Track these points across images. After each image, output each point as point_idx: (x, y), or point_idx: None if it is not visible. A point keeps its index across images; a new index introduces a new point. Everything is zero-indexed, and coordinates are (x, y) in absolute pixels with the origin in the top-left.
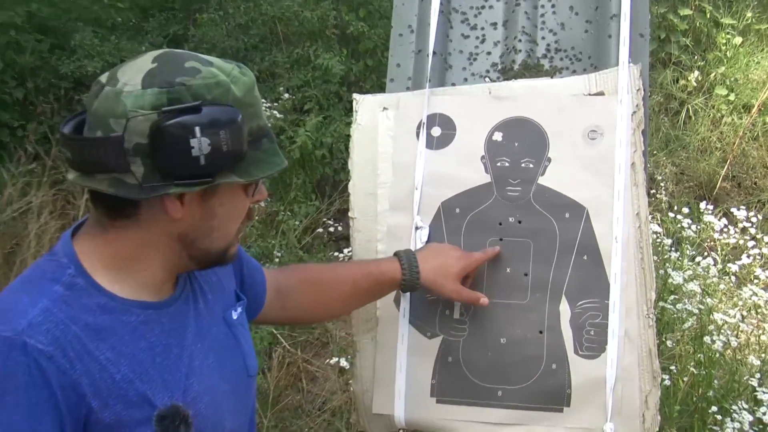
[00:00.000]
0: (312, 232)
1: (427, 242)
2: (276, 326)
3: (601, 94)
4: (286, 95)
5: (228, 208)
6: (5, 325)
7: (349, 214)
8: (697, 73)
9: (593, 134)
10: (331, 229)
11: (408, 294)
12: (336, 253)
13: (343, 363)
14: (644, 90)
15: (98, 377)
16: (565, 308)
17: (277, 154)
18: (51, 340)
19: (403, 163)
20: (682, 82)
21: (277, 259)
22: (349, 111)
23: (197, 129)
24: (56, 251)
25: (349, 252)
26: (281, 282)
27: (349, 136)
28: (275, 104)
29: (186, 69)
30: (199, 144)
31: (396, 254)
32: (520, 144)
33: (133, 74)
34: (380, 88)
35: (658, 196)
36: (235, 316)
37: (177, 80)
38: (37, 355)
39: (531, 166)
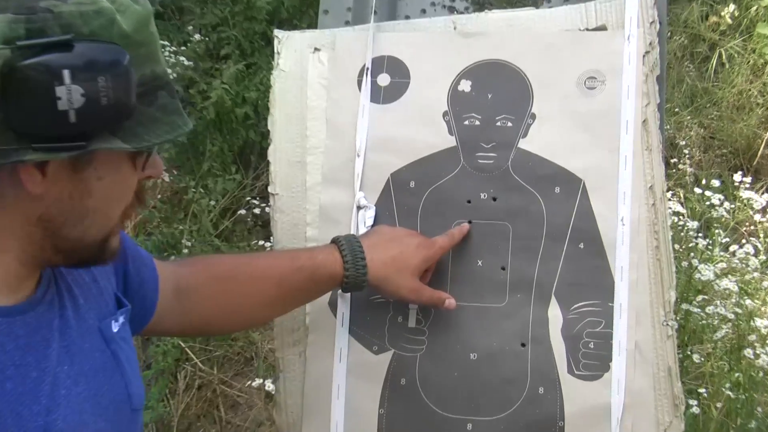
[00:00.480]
0: (233, 215)
1: (372, 226)
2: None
3: (603, 28)
4: (197, 36)
5: (109, 185)
6: None
7: (270, 189)
8: (732, 6)
9: (592, 82)
10: (257, 211)
11: (348, 295)
12: (263, 242)
13: (271, 386)
14: (660, 23)
15: None
16: (555, 313)
17: (179, 113)
18: None
19: (341, 122)
20: (713, 18)
21: (186, 250)
22: None
23: (66, 73)
24: None
25: None
26: (183, 280)
27: None
28: (183, 48)
29: None
30: (69, 94)
31: (335, 242)
32: (495, 96)
33: None
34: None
35: (680, 166)
36: (115, 328)
37: (41, 5)
38: None
39: (509, 125)
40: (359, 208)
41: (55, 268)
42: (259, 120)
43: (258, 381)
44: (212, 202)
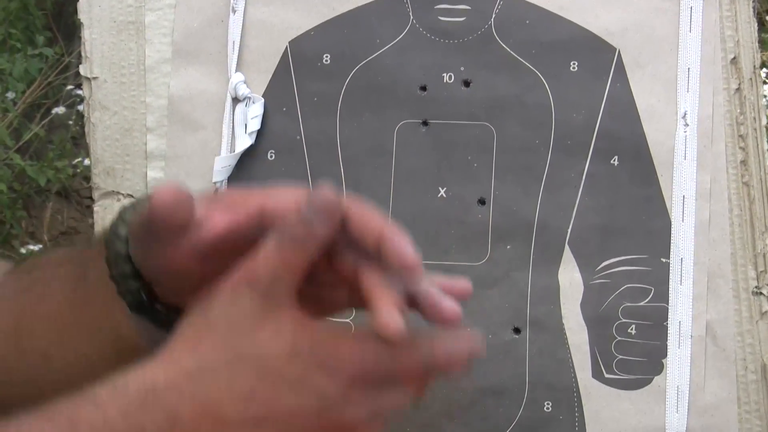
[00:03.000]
0: (45, 116)
1: (260, 132)
2: None
3: None
4: None
5: None
6: None
7: (82, 69)
8: None
9: None
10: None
11: None
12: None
13: None
14: None
15: None
16: (571, 275)
17: None
18: None
19: None
20: None
21: None
22: None
23: None
24: None
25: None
26: None
27: None
28: None
29: None
30: None
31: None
32: None
33: None
34: None
35: None
36: None
37: None
38: None
39: None
40: (237, 100)
41: None
42: None
43: None
44: (10, 95)
